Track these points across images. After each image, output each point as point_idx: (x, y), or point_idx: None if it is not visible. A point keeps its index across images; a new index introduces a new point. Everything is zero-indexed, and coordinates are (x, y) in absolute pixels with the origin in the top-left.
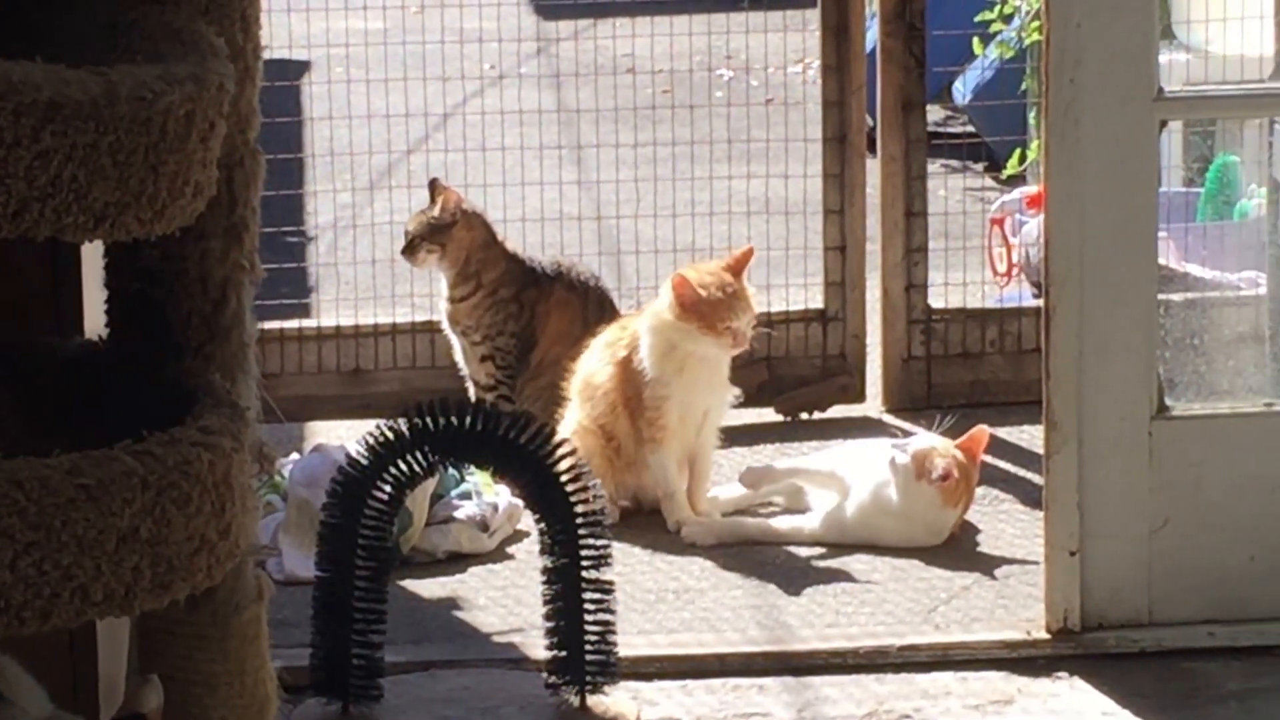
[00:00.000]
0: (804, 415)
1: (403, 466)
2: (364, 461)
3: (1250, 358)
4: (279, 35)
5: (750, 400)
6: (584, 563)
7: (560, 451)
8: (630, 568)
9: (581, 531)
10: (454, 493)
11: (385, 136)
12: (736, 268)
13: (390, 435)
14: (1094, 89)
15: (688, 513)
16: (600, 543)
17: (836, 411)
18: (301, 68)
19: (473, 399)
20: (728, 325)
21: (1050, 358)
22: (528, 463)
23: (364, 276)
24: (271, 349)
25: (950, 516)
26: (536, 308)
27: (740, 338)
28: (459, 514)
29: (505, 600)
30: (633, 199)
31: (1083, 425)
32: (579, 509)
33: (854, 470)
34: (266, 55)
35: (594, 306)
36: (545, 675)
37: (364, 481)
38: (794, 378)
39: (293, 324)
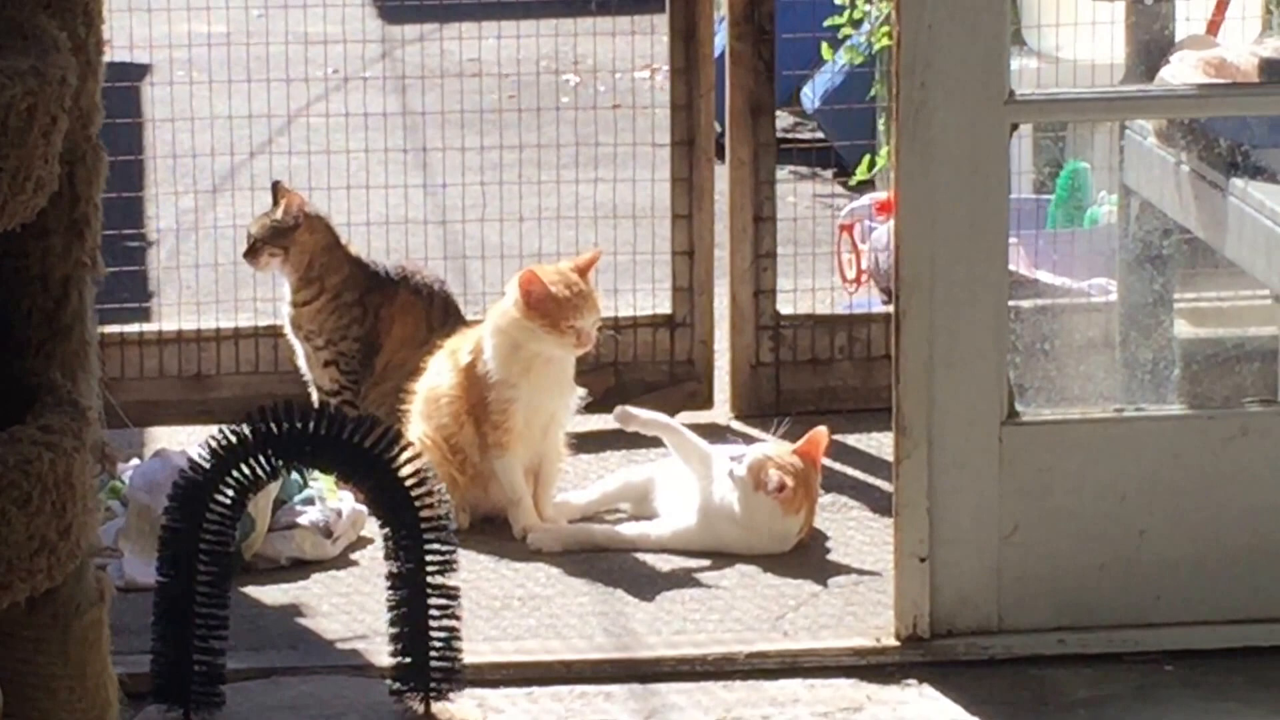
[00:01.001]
0: None
1: (245, 470)
2: (206, 465)
3: (1100, 364)
4: (119, 37)
5: (597, 406)
6: (429, 568)
7: (405, 456)
8: (476, 574)
9: (427, 536)
10: (297, 499)
11: (228, 140)
12: (584, 269)
13: (233, 439)
14: (945, 91)
15: (534, 519)
16: (445, 548)
17: (684, 418)
18: (142, 70)
19: (316, 404)
20: (572, 324)
21: (900, 363)
22: (372, 467)
23: (206, 280)
24: (111, 353)
25: (793, 524)
26: (380, 312)
27: (585, 338)
28: (302, 520)
29: (349, 607)
30: (478, 204)
31: (933, 431)
32: (424, 514)
33: (700, 477)
34: (106, 57)
35: (439, 311)
36: (389, 682)
37: (206, 485)
38: (641, 384)
39: (133, 328)
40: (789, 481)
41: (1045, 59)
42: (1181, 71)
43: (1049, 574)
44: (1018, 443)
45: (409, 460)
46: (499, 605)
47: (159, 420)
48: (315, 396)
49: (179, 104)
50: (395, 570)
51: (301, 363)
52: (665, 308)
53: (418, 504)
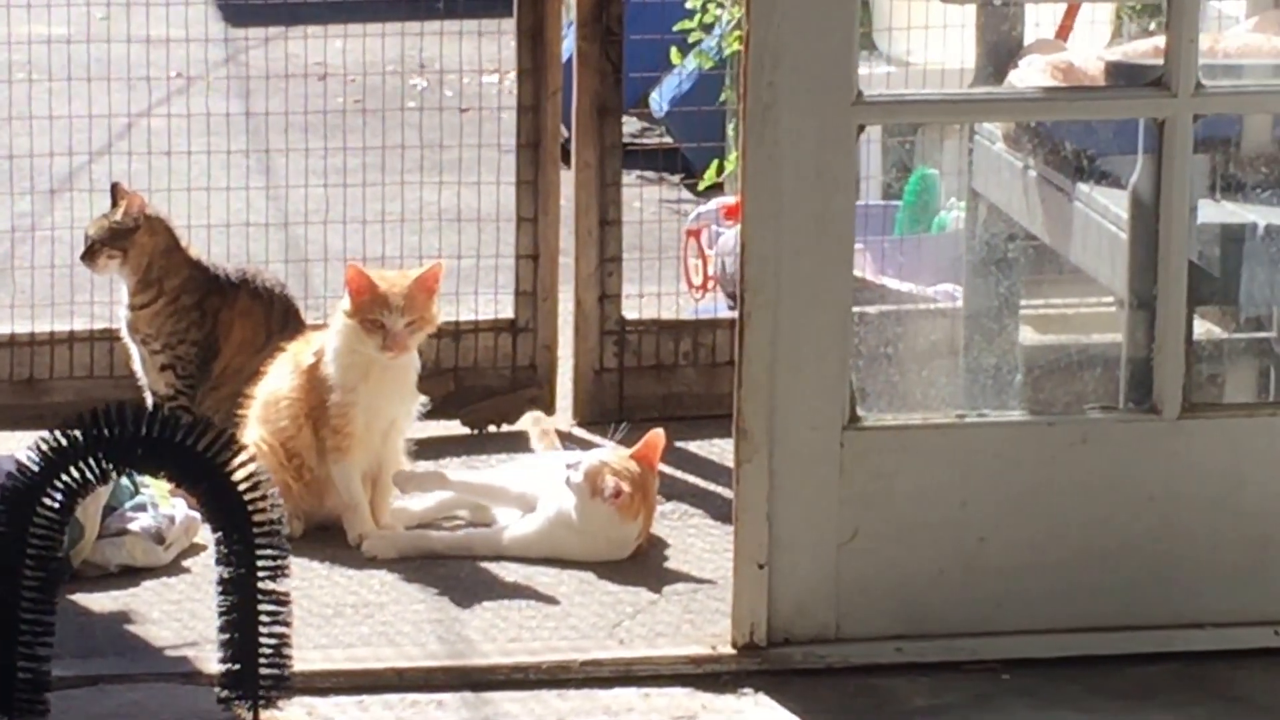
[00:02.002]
0: (491, 428)
1: (74, 474)
2: (33, 468)
3: (943, 369)
4: None
5: (437, 411)
6: (260, 573)
7: (238, 459)
8: (309, 581)
9: (259, 541)
10: (128, 504)
11: (67, 142)
12: (424, 279)
13: (62, 441)
14: (793, 91)
15: (370, 525)
16: (277, 553)
17: (525, 423)
18: None
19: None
20: (378, 322)
21: (743, 365)
22: (204, 470)
23: (41, 284)
24: None
25: (631, 530)
26: (219, 315)
27: (393, 340)
28: (133, 526)
29: (180, 614)
30: (321, 208)
31: (774, 434)
32: (256, 518)
33: (536, 484)
34: None
35: (279, 315)
36: (217, 689)
37: (33, 489)
38: (482, 389)
39: None
40: (625, 487)
41: (896, 64)
42: (1029, 75)
43: (888, 581)
44: (859, 447)
45: (242, 464)
46: (331, 613)
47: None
48: (150, 401)
49: (18, 105)
50: (226, 575)
51: (137, 367)
52: (508, 312)
53: (250, 509)
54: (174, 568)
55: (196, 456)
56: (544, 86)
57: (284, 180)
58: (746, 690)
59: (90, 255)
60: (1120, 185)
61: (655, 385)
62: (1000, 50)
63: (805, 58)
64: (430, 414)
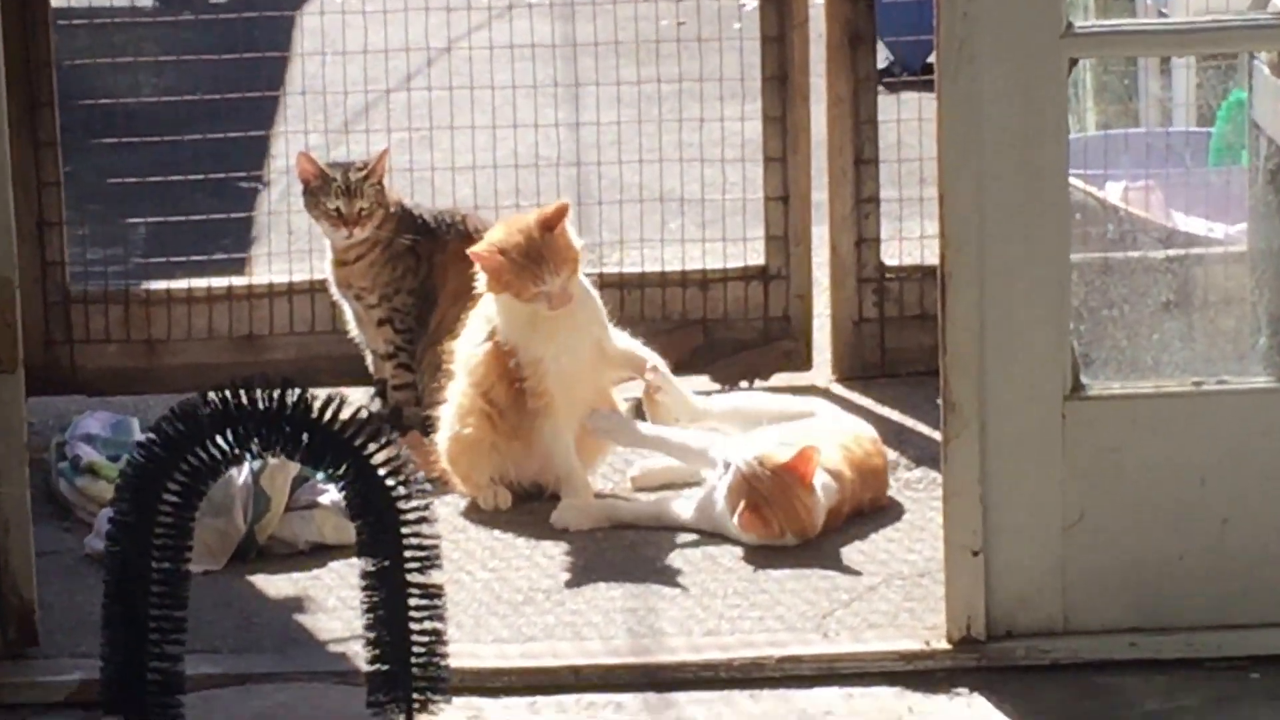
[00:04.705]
0: (744, 384)
1: (202, 456)
2: (157, 449)
3: (1175, 329)
4: None
5: (685, 366)
6: (408, 565)
7: (381, 439)
8: (506, 563)
9: (405, 530)
10: (321, 476)
11: (375, 73)
12: (549, 223)
13: (186, 420)
14: (993, 23)
15: (588, 494)
16: (427, 542)
17: (781, 380)
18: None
19: (371, 369)
20: (534, 291)
21: (947, 331)
22: (343, 451)
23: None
24: (157, 313)
25: (778, 540)
26: (434, 260)
27: (557, 298)
28: (324, 500)
29: (356, 602)
30: (620, 142)
31: (985, 407)
32: (401, 505)
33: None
34: None
35: None
36: (367, 693)
37: (157, 474)
38: (733, 342)
39: (181, 284)
40: (749, 514)
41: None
42: None
43: (1120, 568)
44: (1083, 420)
45: (385, 445)
46: (521, 599)
47: (212, 384)
48: (370, 360)
49: (330, 35)
50: (370, 568)
51: (351, 325)
52: (758, 259)
53: (394, 494)
54: None
55: (334, 436)
56: (789, 15)
57: (593, 112)
58: (960, 690)
59: (359, 220)
60: None
61: (920, 336)
62: None
63: None
64: (677, 369)
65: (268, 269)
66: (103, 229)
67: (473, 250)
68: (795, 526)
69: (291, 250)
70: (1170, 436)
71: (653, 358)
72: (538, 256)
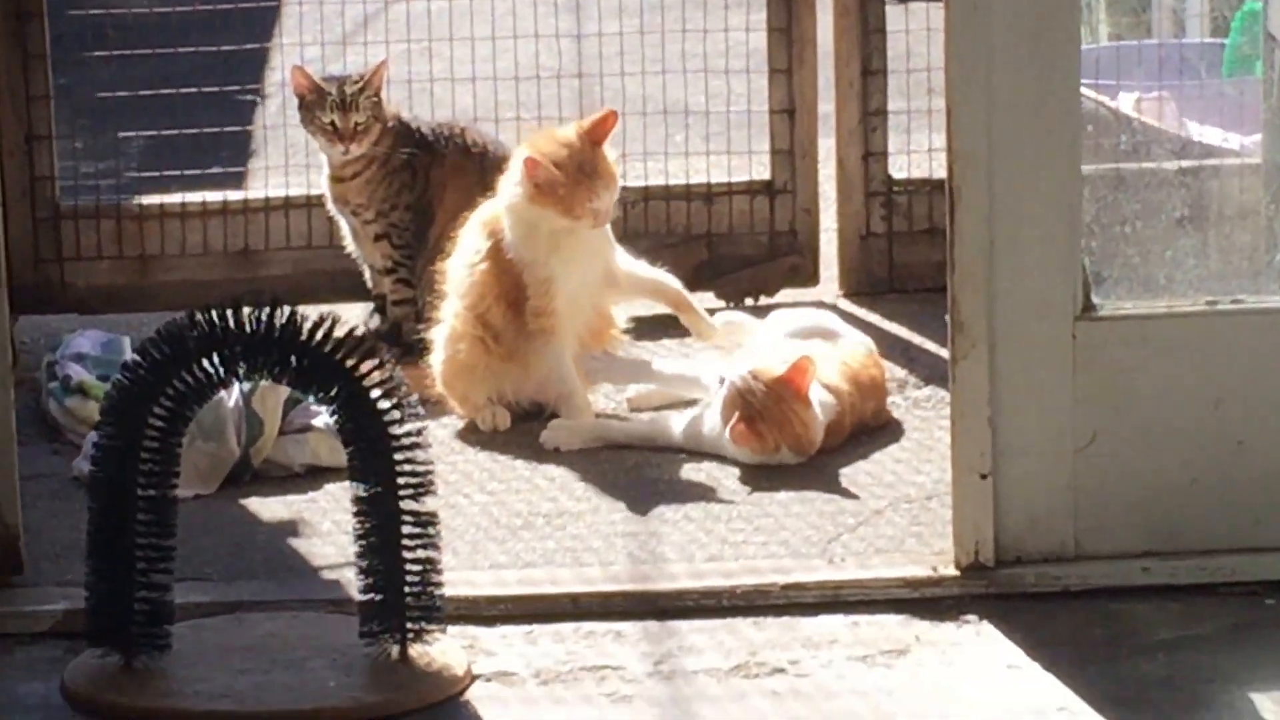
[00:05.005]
0: (749, 300)
1: (188, 380)
2: (142, 373)
3: (1189, 247)
4: None
5: (689, 283)
6: (401, 492)
7: (373, 360)
8: (506, 485)
9: (397, 456)
10: (314, 398)
11: None
12: (596, 136)
13: (172, 342)
14: None
15: (591, 414)
16: (420, 468)
17: (787, 296)
18: None
19: (370, 284)
20: (586, 207)
21: (955, 247)
22: (333, 374)
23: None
24: (150, 227)
25: (774, 457)
26: (430, 174)
27: (603, 215)
28: (318, 421)
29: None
30: (623, 53)
31: (994, 327)
32: (394, 429)
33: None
34: None
35: (494, 175)
36: (360, 623)
37: (142, 398)
38: (738, 258)
39: (175, 199)
40: (744, 428)
41: None
42: None
43: (1133, 492)
44: (1094, 340)
45: (378, 366)
46: (520, 524)
47: (207, 301)
48: (368, 275)
49: None
50: (363, 494)
51: (349, 241)
52: (764, 173)
53: (387, 417)
54: None
55: (324, 359)
56: None
57: (591, 25)
58: (969, 618)
59: (355, 135)
60: None
61: (929, 251)
62: None
63: None
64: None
65: (265, 183)
66: (96, 144)
67: (528, 157)
68: (791, 441)
69: (289, 164)
70: (1184, 357)
71: (665, 279)
72: (591, 171)
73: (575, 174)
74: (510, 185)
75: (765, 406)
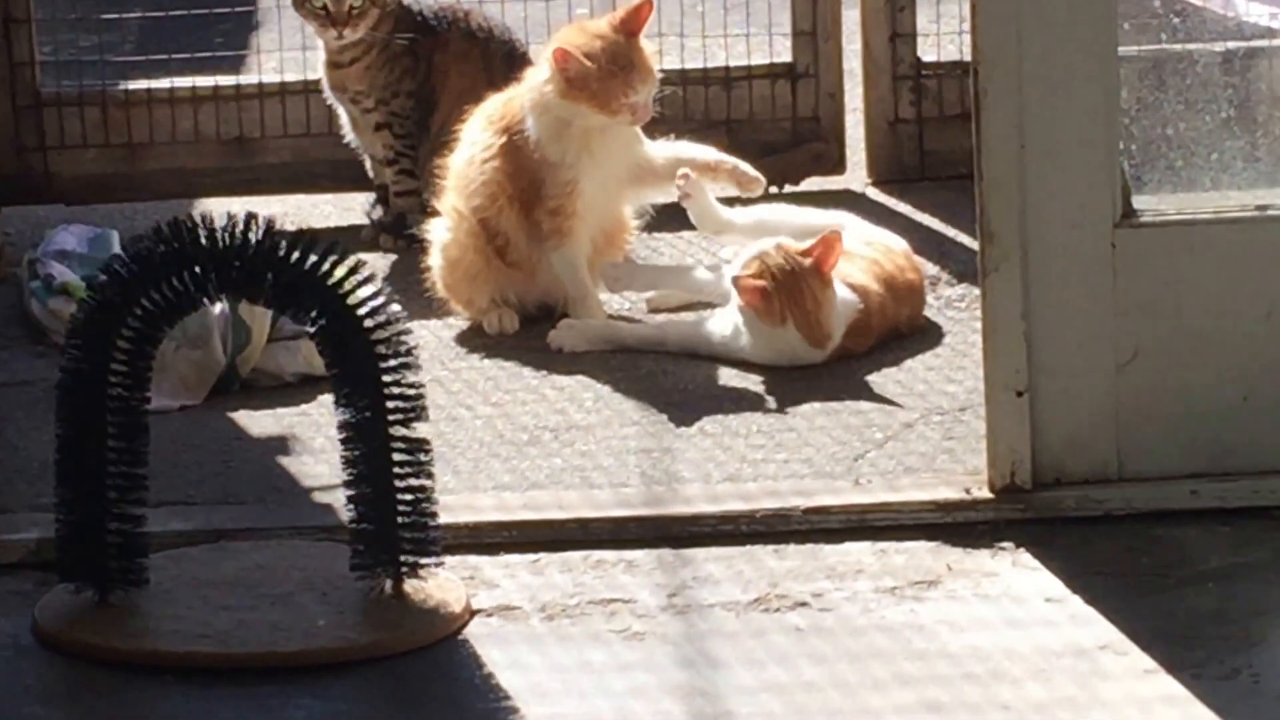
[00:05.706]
0: (773, 189)
1: (156, 298)
2: (109, 293)
3: (1237, 149)
4: None
5: None
6: (391, 417)
7: (357, 277)
8: (511, 396)
9: (386, 378)
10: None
11: None
12: (631, 27)
13: (139, 260)
14: None
15: (603, 317)
16: (410, 391)
17: (812, 184)
18: None
19: (370, 174)
20: (623, 102)
21: (983, 153)
22: (314, 292)
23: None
24: (138, 113)
25: (786, 335)
26: (433, 60)
27: (642, 111)
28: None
29: None
30: None
31: (1027, 236)
32: (381, 350)
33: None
34: None
35: (500, 60)
36: (350, 556)
37: (110, 319)
38: (759, 145)
39: (163, 84)
40: (756, 284)
41: None
42: None
43: (1179, 409)
44: (1135, 249)
45: (363, 282)
46: (526, 439)
47: (200, 190)
48: (369, 165)
49: None
50: (349, 420)
51: (347, 129)
52: (785, 55)
53: (374, 338)
54: None
55: (305, 275)
56: None
57: None
58: (1004, 544)
59: (349, 19)
60: None
61: (962, 137)
62: None
63: None
64: None
65: (258, 69)
66: (81, 27)
67: (559, 48)
68: (799, 315)
69: (285, 47)
70: (1232, 265)
71: (704, 154)
72: (628, 63)
73: (609, 66)
74: (538, 79)
75: (780, 272)
